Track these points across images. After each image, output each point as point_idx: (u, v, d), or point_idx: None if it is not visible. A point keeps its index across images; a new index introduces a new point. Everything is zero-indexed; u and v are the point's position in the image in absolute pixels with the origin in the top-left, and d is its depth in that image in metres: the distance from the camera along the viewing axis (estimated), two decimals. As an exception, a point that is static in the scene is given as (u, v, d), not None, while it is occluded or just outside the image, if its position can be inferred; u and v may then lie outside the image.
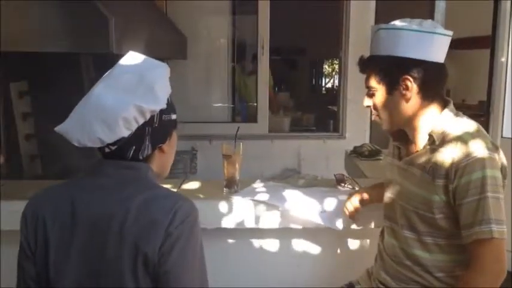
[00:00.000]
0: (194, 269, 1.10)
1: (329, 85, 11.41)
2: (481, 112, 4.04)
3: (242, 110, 4.89)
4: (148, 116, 1.09)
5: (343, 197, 1.80)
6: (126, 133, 1.07)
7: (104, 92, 1.08)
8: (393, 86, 1.41)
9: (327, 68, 11.68)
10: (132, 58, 1.16)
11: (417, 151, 1.45)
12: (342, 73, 4.54)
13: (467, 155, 1.29)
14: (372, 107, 1.50)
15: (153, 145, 1.14)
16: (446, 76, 1.44)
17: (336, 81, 11.20)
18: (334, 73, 11.46)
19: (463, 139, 1.32)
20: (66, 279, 1.09)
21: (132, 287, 1.05)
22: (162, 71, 1.15)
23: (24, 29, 2.28)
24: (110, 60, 2.95)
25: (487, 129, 3.62)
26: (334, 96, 5.54)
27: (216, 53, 4.57)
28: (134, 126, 1.08)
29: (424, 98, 1.41)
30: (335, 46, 4.73)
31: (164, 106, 1.13)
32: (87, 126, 1.05)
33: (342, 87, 4.53)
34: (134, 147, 1.11)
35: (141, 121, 1.08)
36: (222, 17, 4.53)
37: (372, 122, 4.50)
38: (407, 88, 1.39)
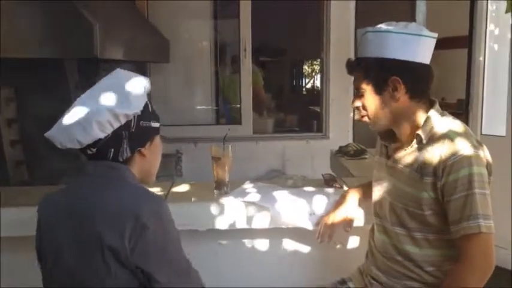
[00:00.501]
0: (166, 260, 1.18)
1: (309, 86, 11.48)
2: (460, 110, 4.14)
3: (226, 112, 4.92)
4: (123, 121, 1.20)
5: (332, 197, 1.83)
6: (101, 135, 1.17)
7: (84, 101, 1.21)
8: (382, 86, 1.45)
9: (306, 68, 11.75)
10: (115, 73, 1.28)
11: (405, 150, 1.49)
12: (324, 74, 4.60)
13: (454, 153, 1.33)
14: (361, 108, 1.53)
15: (132, 148, 1.24)
16: (432, 77, 1.48)
17: (317, 82, 11.34)
18: (314, 74, 11.57)
19: (449, 138, 1.37)
20: (59, 273, 1.21)
21: (110, 280, 1.14)
22: (138, 81, 1.26)
23: (10, 35, 2.27)
24: (94, 65, 2.96)
25: (466, 127, 3.70)
26: (315, 96, 5.60)
27: (199, 55, 4.59)
28: (109, 129, 1.18)
29: (411, 98, 1.45)
30: (316, 47, 4.80)
31: (138, 112, 1.22)
32: (67, 129, 1.17)
33: (324, 88, 4.58)
34: (113, 149, 1.21)
35: (116, 125, 1.19)
36: (203, 20, 4.54)
37: (354, 122, 4.57)
38: (395, 88, 1.43)
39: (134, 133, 1.22)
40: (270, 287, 1.92)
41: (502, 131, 3.43)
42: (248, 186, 2.00)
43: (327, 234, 1.69)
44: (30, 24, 2.35)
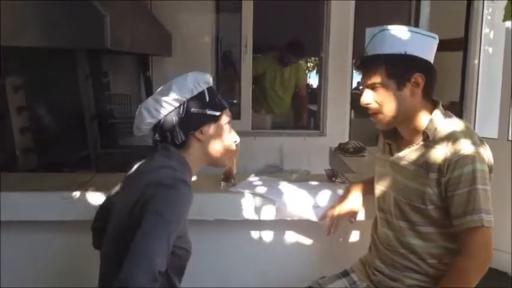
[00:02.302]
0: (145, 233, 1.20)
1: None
2: (453, 113, 4.22)
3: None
4: (169, 108, 1.38)
5: (336, 191, 1.91)
6: (152, 120, 1.39)
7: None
8: (404, 82, 1.50)
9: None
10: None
11: (409, 147, 1.56)
12: (322, 72, 4.67)
13: (459, 151, 1.41)
14: (372, 104, 1.55)
15: (184, 132, 1.38)
16: (436, 77, 1.56)
17: (309, 80, 11.40)
18: (308, 72, 11.65)
19: (454, 136, 1.44)
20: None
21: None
22: (184, 75, 1.42)
23: (21, 24, 2.32)
24: (103, 56, 3.00)
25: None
26: (310, 94, 5.66)
27: (200, 49, 4.61)
28: (158, 115, 1.38)
29: (424, 96, 1.53)
30: (315, 45, 4.86)
31: (182, 100, 1.38)
32: (135, 119, 1.44)
33: (322, 87, 4.66)
34: (169, 133, 1.39)
35: (164, 111, 1.38)
36: (206, 15, 4.57)
37: (351, 120, 4.67)
38: (417, 85, 1.49)
39: (184, 118, 1.38)
40: (274, 277, 1.99)
41: (494, 133, 3.53)
42: (254, 179, 2.07)
43: (333, 225, 1.76)
44: (41, 14, 2.39)
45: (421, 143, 1.52)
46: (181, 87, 1.39)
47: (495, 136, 3.51)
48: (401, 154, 1.59)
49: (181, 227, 1.31)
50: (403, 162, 1.57)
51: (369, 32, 1.57)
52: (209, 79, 1.45)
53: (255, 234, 2.00)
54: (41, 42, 2.34)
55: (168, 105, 1.37)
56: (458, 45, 3.98)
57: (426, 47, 1.51)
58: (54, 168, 2.61)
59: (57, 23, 2.38)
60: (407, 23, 3.80)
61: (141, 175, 1.37)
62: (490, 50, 3.67)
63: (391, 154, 1.64)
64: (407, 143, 1.58)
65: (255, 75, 4.95)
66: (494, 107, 3.55)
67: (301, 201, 1.88)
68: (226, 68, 5.39)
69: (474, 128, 3.68)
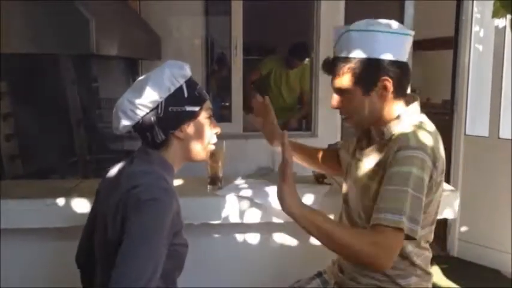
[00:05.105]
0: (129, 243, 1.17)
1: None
2: (445, 111, 4.24)
3: (216, 110, 4.94)
4: (145, 109, 1.31)
5: (321, 193, 1.93)
6: (129, 122, 1.33)
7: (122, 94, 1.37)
8: (370, 87, 1.44)
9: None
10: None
11: (372, 145, 1.53)
12: (313, 73, 4.66)
13: (405, 151, 1.35)
14: (340, 109, 1.52)
15: (164, 131, 1.34)
16: (410, 74, 1.50)
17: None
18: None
19: (406, 137, 1.39)
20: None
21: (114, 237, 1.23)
22: (160, 69, 1.33)
23: (5, 30, 2.30)
24: (89, 61, 2.98)
25: (451, 127, 3.81)
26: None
27: (190, 52, 4.60)
28: (135, 117, 1.32)
29: (395, 97, 1.47)
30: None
31: (158, 100, 1.30)
32: (112, 119, 1.37)
33: (313, 87, 4.64)
34: (148, 133, 1.34)
35: (140, 112, 1.31)
36: (195, 17, 4.55)
37: (342, 121, 4.65)
38: (385, 88, 1.43)
39: (163, 118, 1.32)
40: (259, 278, 1.99)
41: (485, 131, 3.54)
42: (240, 182, 2.07)
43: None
44: (25, 19, 2.38)
45: (380, 141, 1.50)
46: (157, 86, 1.30)
47: (486, 134, 3.53)
48: (364, 152, 1.56)
49: (176, 224, 1.30)
50: (364, 160, 1.55)
51: (336, 32, 1.49)
52: (187, 71, 1.36)
53: (240, 237, 2.01)
54: (24, 48, 2.32)
55: (144, 107, 1.30)
56: (449, 43, 4.00)
57: (395, 46, 1.43)
58: (41, 175, 2.60)
59: (41, 28, 2.37)
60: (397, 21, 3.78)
61: (120, 183, 1.29)
62: (480, 48, 3.69)
63: (359, 150, 1.62)
64: (373, 142, 1.57)
65: (259, 77, 4.94)
66: (485, 104, 3.56)
67: None
68: (221, 69, 5.37)
69: (465, 126, 3.70)
